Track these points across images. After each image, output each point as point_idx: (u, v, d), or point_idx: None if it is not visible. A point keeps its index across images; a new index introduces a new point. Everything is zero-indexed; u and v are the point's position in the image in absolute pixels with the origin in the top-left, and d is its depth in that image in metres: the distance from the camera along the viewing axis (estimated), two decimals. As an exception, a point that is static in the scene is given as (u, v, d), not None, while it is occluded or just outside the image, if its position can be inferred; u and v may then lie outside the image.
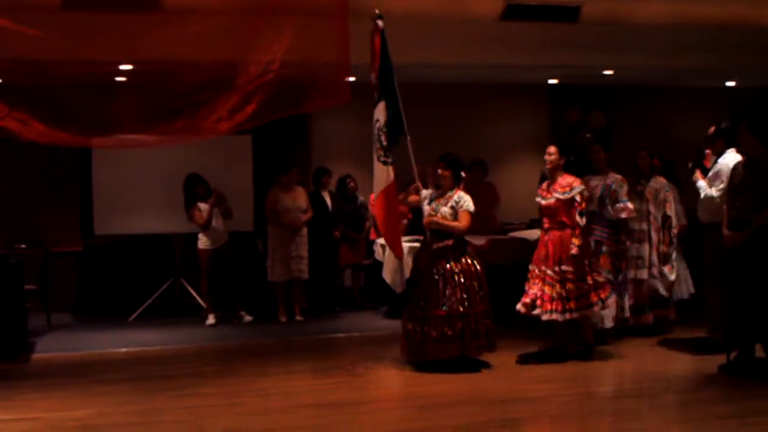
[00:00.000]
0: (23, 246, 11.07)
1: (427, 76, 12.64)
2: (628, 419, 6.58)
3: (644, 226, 9.33)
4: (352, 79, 8.73)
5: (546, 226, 8.29)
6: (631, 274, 9.23)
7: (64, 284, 11.81)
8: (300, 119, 12.44)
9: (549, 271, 8.10)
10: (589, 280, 8.12)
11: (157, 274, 11.75)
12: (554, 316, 8.04)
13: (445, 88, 13.39)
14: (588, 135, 10.95)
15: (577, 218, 8.06)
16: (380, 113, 8.02)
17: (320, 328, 10.51)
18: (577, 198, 8.07)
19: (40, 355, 9.17)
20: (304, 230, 11.08)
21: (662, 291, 9.39)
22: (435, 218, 8.10)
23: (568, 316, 8.03)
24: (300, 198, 11.12)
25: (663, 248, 9.34)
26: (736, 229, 7.65)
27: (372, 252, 11.35)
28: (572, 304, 8.02)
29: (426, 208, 8.26)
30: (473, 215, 8.12)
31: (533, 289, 8.23)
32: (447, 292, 7.87)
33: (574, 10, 11.31)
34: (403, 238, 10.80)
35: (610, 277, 8.81)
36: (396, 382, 7.70)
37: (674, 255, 9.49)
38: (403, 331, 8.10)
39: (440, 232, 8.08)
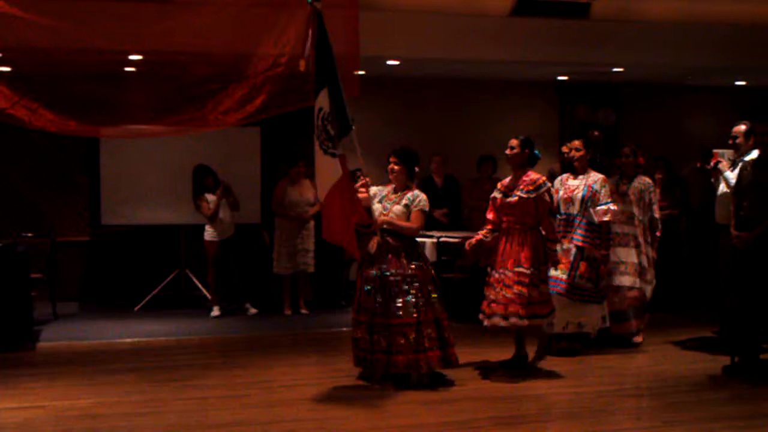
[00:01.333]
0: (30, 235, 11.08)
1: (436, 71, 12.62)
2: (633, 418, 6.58)
3: (627, 229, 8.77)
4: (361, 72, 8.72)
5: (505, 226, 7.75)
6: (614, 280, 8.71)
7: (70, 273, 11.84)
8: (309, 112, 12.40)
9: (509, 273, 7.59)
10: (542, 288, 7.64)
11: (163, 265, 11.77)
12: (518, 321, 7.52)
13: (454, 83, 13.36)
14: (596, 132, 10.92)
15: (549, 219, 7.67)
16: (323, 101, 7.21)
17: (325, 322, 10.51)
18: (546, 197, 7.62)
19: (45, 344, 9.18)
20: (311, 223, 11.08)
21: (648, 296, 8.89)
22: (387, 218, 7.40)
23: (533, 321, 7.57)
24: (307, 191, 11.11)
25: (652, 253, 8.86)
26: (744, 230, 7.63)
27: (378, 246, 11.33)
28: (535, 309, 7.55)
29: (377, 206, 7.54)
30: (428, 215, 7.54)
31: (499, 296, 7.65)
32: (399, 298, 7.18)
33: (584, 7, 11.29)
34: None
35: (590, 285, 8.26)
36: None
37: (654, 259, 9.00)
38: (353, 340, 7.43)
39: (392, 232, 7.38)
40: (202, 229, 10.90)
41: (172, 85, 8.12)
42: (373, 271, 7.32)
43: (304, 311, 11.06)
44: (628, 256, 8.75)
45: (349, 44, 7.55)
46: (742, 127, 8.46)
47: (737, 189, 7.90)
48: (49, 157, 11.97)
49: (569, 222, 8.38)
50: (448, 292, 9.99)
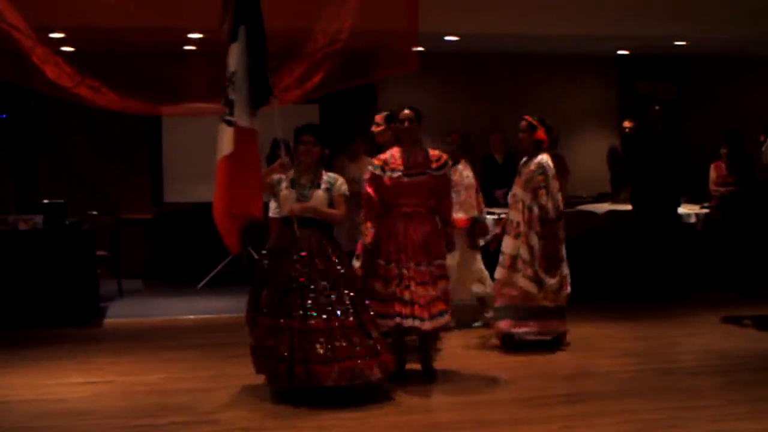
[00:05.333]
0: (95, 213, 11.25)
1: (495, 47, 12.54)
2: (696, 397, 6.51)
3: (513, 215, 7.73)
4: (419, 48, 8.68)
5: (408, 210, 6.82)
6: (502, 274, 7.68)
7: (134, 251, 12.00)
8: (367, 89, 12.40)
9: (423, 268, 6.73)
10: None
11: (225, 242, 11.85)
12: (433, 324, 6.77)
13: (512, 59, 13.26)
14: (657, 107, 10.79)
15: (450, 200, 7.11)
16: (230, 59, 6.33)
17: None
18: (450, 175, 7.07)
19: (111, 321, 9.36)
20: (370, 200, 11.08)
21: (539, 298, 7.58)
22: (312, 204, 6.49)
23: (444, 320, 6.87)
24: (366, 168, 11.09)
25: (537, 243, 7.53)
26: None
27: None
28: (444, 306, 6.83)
29: (285, 192, 6.57)
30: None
31: (407, 294, 6.66)
32: (319, 299, 6.25)
33: (647, -21, 11.12)
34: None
35: None
36: (459, 353, 7.68)
37: (561, 253, 7.71)
38: (255, 347, 6.51)
39: (313, 222, 6.51)
40: (265, 206, 10.95)
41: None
42: (286, 266, 6.40)
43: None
44: (506, 246, 7.70)
45: (408, 20, 7.51)
46: None
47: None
48: (113, 137, 12.12)
49: None
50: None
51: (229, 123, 6.34)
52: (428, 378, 6.88)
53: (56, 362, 7.55)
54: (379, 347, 6.31)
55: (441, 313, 6.79)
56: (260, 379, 6.85)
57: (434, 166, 6.90)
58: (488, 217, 10.31)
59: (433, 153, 6.99)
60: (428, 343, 7.02)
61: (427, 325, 6.70)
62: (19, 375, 7.14)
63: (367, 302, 6.52)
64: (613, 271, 10.39)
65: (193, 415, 6.06)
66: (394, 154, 6.97)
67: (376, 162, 7.00)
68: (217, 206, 6.45)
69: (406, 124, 6.95)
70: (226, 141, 6.33)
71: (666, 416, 5.99)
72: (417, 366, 6.98)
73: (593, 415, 6.04)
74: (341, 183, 6.70)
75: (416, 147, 6.97)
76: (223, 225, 6.48)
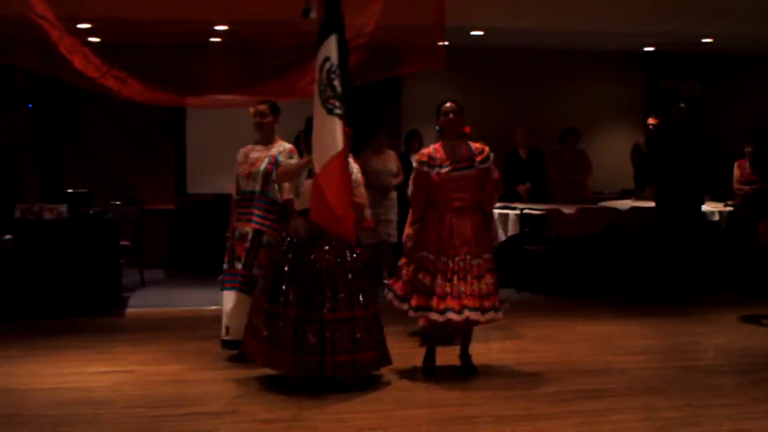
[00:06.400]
0: (118, 203, 11.31)
1: (520, 42, 12.50)
2: (717, 395, 6.49)
3: None
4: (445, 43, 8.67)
5: (458, 204, 6.69)
6: None
7: (156, 241, 12.05)
8: (392, 82, 12.41)
9: (474, 261, 6.66)
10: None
11: (247, 233, 11.89)
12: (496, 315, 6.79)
13: (538, 54, 13.21)
14: (682, 104, 10.73)
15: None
16: (331, 50, 6.12)
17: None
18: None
19: (133, 310, 9.40)
20: (394, 194, 11.06)
21: None
22: None
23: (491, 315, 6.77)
24: (390, 161, 11.09)
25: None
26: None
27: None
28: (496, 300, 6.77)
29: (308, 181, 6.61)
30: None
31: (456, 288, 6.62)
32: (340, 290, 6.34)
33: (673, -24, 11.04)
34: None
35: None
36: (484, 349, 7.67)
37: None
38: (257, 334, 6.47)
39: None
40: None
41: (257, 55, 8.17)
42: (299, 254, 6.42)
43: (386, 281, 11.05)
44: None
45: (435, 14, 7.49)
46: None
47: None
48: (137, 127, 12.17)
49: (248, 201, 7.40)
50: (531, 264, 9.97)
51: (341, 116, 6.10)
52: (468, 373, 6.88)
53: (77, 351, 7.60)
54: (383, 340, 6.57)
55: (494, 308, 6.72)
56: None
57: (479, 159, 6.76)
58: (511, 212, 10.33)
59: (476, 146, 6.86)
60: (469, 336, 6.98)
61: (482, 318, 6.65)
62: (40, 364, 7.19)
63: (414, 298, 6.69)
64: (635, 268, 10.34)
65: (213, 405, 6.10)
66: (437, 148, 6.81)
67: (420, 158, 6.81)
68: (341, 201, 6.11)
69: (451, 116, 6.78)
70: (339, 135, 6.07)
71: (687, 414, 5.97)
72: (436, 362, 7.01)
73: (612, 411, 6.04)
74: (357, 171, 6.74)
75: (460, 140, 6.84)
76: (349, 220, 6.15)
